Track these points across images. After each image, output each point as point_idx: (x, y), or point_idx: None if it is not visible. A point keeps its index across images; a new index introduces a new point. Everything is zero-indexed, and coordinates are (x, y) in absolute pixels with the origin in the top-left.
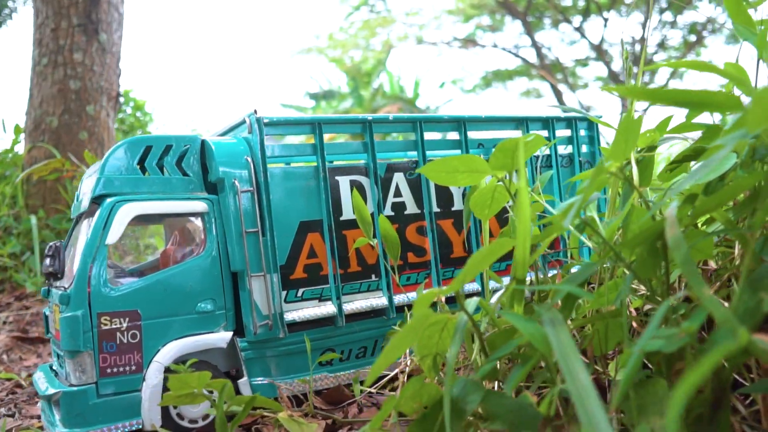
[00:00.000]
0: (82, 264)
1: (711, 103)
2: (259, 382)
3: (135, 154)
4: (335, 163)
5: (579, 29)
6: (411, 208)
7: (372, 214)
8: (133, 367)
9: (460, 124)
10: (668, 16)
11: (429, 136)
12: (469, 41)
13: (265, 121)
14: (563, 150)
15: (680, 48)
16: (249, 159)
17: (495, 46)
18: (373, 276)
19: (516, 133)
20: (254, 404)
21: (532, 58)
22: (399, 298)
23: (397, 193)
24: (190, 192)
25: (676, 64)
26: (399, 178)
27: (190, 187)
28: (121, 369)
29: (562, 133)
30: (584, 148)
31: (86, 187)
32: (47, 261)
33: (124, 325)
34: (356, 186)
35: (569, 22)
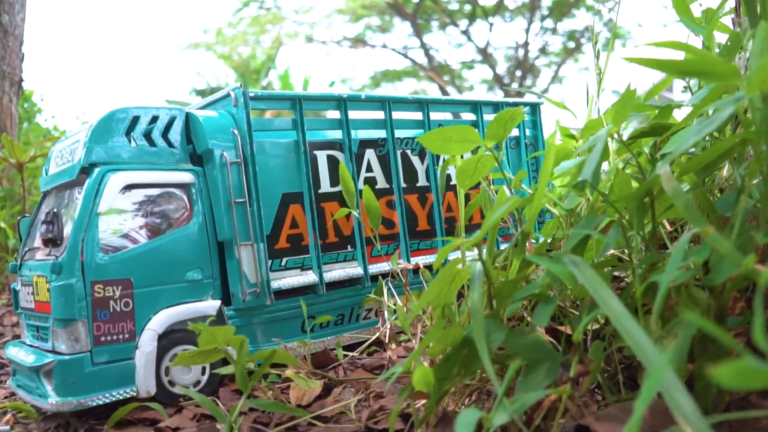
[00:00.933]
0: (75, 232)
1: (713, 72)
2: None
3: (123, 124)
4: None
5: (465, 33)
6: (381, 183)
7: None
8: (126, 336)
9: (423, 105)
10: (549, 23)
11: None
12: (359, 41)
13: (251, 95)
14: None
15: (560, 53)
16: (235, 131)
17: (384, 46)
18: (349, 247)
19: (470, 116)
20: (273, 360)
21: (421, 59)
22: (371, 269)
23: (369, 169)
24: (176, 163)
25: (657, 44)
26: (370, 155)
27: (175, 158)
28: (115, 337)
29: None
30: (527, 132)
31: (63, 158)
32: (44, 228)
33: (117, 293)
34: (332, 160)
35: (456, 25)
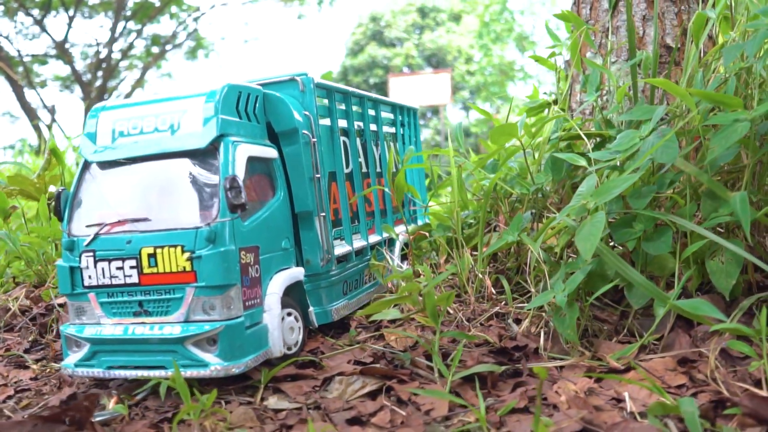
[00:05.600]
0: (223, 201)
1: (722, 101)
2: (317, 310)
3: (234, 98)
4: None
5: (40, 24)
6: (364, 168)
7: (351, 171)
8: (258, 300)
9: (377, 103)
10: (133, 25)
11: None
12: None
13: (315, 82)
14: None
15: (143, 57)
16: (308, 114)
17: None
18: (356, 221)
19: (390, 115)
20: (449, 303)
21: None
22: (360, 242)
23: (358, 155)
24: (262, 138)
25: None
26: (358, 142)
27: (262, 133)
28: (253, 302)
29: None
30: (402, 131)
31: (149, 128)
32: (231, 193)
33: (252, 259)
34: (345, 145)
35: (29, 14)
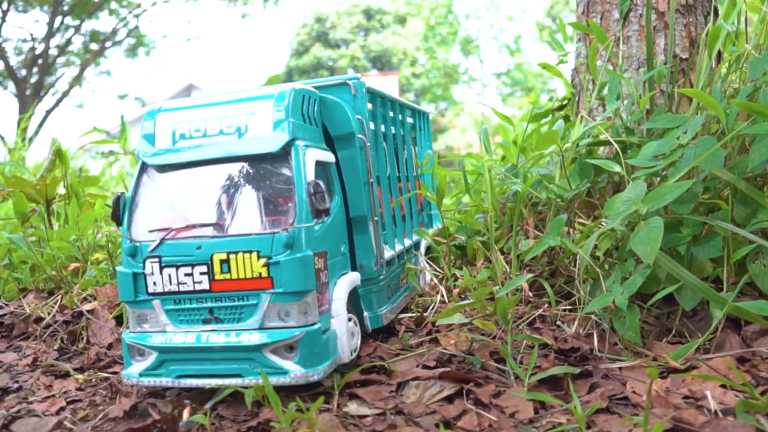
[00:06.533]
0: (300, 206)
1: (761, 112)
2: (370, 315)
3: (299, 102)
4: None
5: None
6: (396, 171)
7: (390, 175)
8: (327, 306)
9: (404, 107)
10: (71, 20)
11: None
12: None
13: (366, 87)
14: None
15: (81, 54)
16: (360, 118)
17: None
18: (395, 226)
19: (411, 120)
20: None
21: None
22: (399, 246)
23: (394, 159)
24: (322, 143)
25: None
26: (392, 146)
27: (321, 138)
28: (323, 308)
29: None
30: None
31: (214, 130)
32: (315, 198)
33: (322, 265)
34: (385, 149)
35: None
